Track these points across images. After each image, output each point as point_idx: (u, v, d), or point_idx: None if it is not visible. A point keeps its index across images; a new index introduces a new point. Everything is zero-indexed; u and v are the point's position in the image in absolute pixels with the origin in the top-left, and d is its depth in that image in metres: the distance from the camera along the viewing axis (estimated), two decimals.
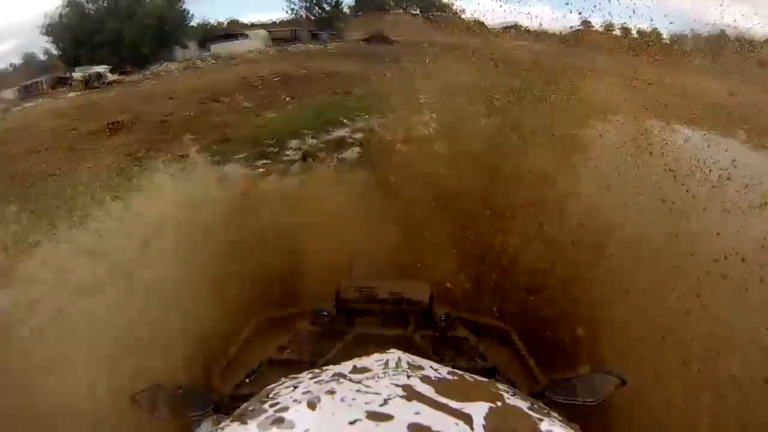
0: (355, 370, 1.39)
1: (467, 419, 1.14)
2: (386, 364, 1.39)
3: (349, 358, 2.56)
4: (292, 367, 2.56)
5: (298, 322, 2.79)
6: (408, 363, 1.40)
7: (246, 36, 9.55)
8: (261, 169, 4.76)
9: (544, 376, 2.51)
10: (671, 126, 3.98)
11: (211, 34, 9.75)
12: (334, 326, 2.71)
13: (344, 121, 5.52)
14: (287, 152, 5.04)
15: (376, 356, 1.46)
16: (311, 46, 9.58)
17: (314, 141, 5.34)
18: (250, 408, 1.34)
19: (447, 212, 3.89)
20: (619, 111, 4.20)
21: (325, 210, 3.93)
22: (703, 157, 3.56)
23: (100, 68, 7.36)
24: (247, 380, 2.52)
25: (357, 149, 5.03)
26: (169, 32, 9.06)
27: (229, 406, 2.19)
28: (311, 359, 2.59)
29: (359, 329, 2.68)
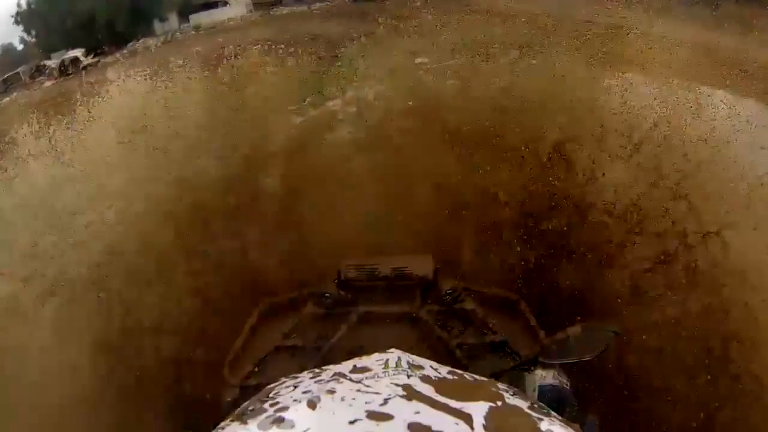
0: (355, 369, 1.44)
1: (467, 419, 1.19)
2: (386, 363, 1.44)
3: (355, 338, 2.66)
4: (298, 352, 2.64)
5: (300, 306, 2.84)
6: (408, 362, 1.45)
7: (226, 3, 9.38)
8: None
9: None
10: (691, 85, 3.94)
11: (192, 4, 9.57)
12: (337, 307, 2.77)
13: (333, 91, 5.04)
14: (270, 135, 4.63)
15: (376, 356, 1.51)
16: (294, 8, 9.41)
17: (300, 119, 4.86)
18: (250, 408, 1.39)
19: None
20: (631, 65, 4.13)
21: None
22: None
23: (75, 52, 7.20)
24: (256, 369, 2.59)
25: (350, 128, 4.55)
26: (143, 7, 8.87)
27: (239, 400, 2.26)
28: (317, 343, 2.66)
29: (363, 308, 2.74)
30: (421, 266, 2.79)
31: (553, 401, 2.13)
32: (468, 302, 2.77)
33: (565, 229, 3.60)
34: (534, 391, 2.25)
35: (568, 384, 2.28)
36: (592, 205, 3.63)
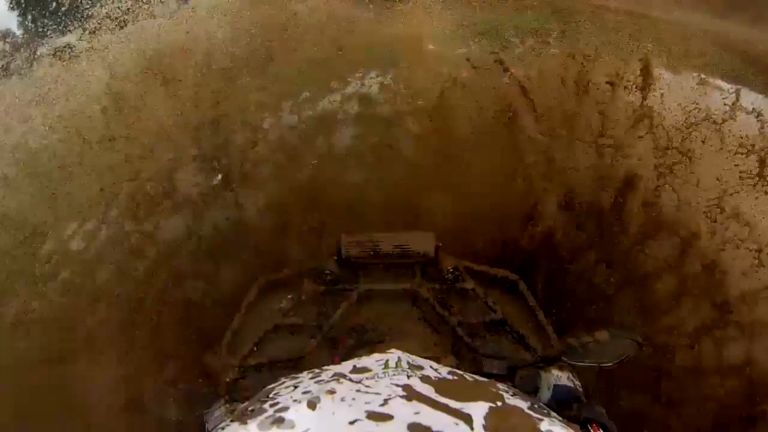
0: (355, 369, 1.49)
1: (467, 419, 1.24)
2: (386, 363, 1.49)
3: (356, 315, 2.72)
4: (297, 330, 2.70)
5: (300, 283, 2.87)
6: (408, 363, 1.49)
7: None
8: (219, 176, 3.93)
9: (556, 333, 2.66)
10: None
11: None
12: (337, 284, 2.82)
13: (334, 84, 4.54)
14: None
15: (376, 356, 1.56)
16: None
17: (294, 118, 4.37)
18: (250, 408, 1.44)
19: None
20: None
21: None
22: None
23: (70, 38, 7.23)
24: (255, 349, 2.64)
25: (351, 130, 4.19)
26: None
27: (238, 383, 2.33)
28: (317, 321, 2.72)
29: (364, 285, 2.80)
30: (423, 243, 2.83)
31: (566, 400, 2.23)
32: (468, 281, 2.83)
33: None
34: (549, 389, 2.32)
35: (580, 386, 2.35)
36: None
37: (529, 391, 2.37)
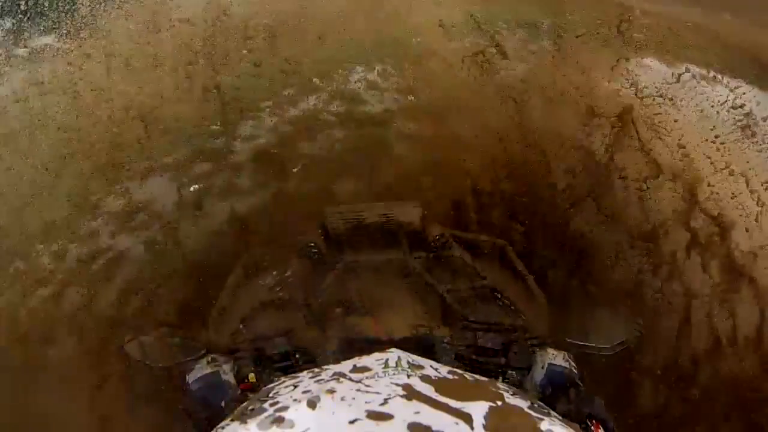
0: (355, 369, 1.49)
1: (467, 419, 1.25)
2: (386, 363, 1.49)
3: (343, 288, 2.68)
4: (285, 306, 2.66)
5: (285, 258, 2.82)
6: (408, 362, 1.50)
7: None
8: (196, 186, 3.61)
9: (544, 294, 2.63)
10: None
11: None
12: (323, 257, 2.78)
13: (317, 81, 4.14)
14: (235, 144, 3.78)
15: (376, 355, 1.56)
16: None
17: (274, 119, 3.99)
18: (250, 407, 1.45)
19: None
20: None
21: None
22: None
23: (47, 39, 7.13)
24: (242, 326, 2.59)
25: (337, 132, 3.92)
26: None
27: (227, 353, 2.33)
28: (304, 296, 2.68)
29: (350, 257, 2.75)
30: (408, 213, 2.80)
31: (560, 382, 2.21)
32: (455, 249, 2.79)
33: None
34: (543, 368, 2.30)
35: (576, 369, 2.33)
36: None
37: (523, 367, 2.36)
